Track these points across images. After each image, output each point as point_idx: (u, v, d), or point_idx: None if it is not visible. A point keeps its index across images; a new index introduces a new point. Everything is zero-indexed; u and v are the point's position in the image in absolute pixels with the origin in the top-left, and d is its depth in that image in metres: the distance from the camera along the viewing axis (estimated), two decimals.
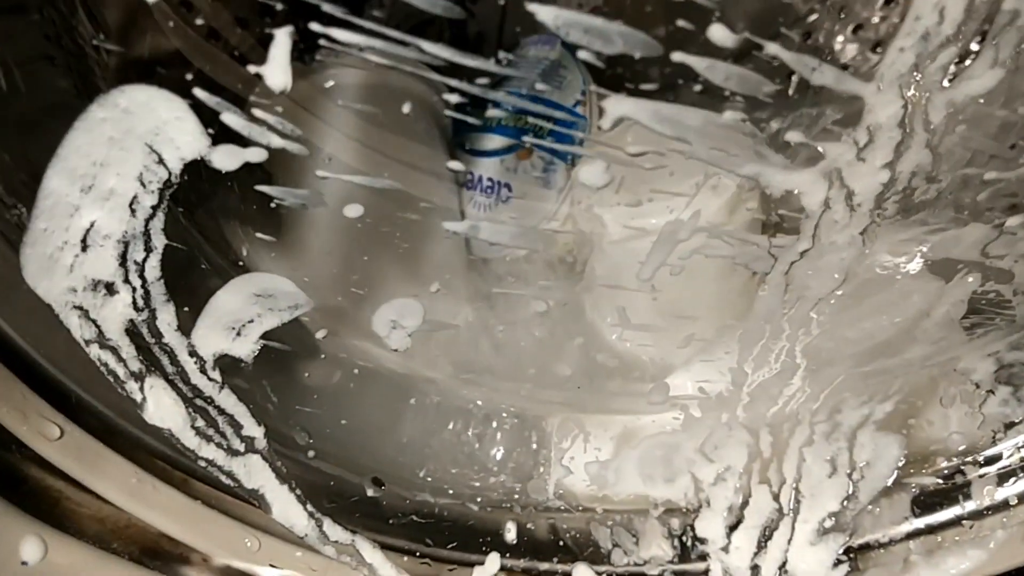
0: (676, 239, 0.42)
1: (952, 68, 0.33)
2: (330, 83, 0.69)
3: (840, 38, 0.94)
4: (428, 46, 0.34)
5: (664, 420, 0.51)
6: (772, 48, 0.32)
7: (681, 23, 0.33)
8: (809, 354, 0.45)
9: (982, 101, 0.33)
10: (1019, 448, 0.48)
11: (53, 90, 0.39)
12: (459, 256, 0.77)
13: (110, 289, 0.38)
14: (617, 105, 0.34)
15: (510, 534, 0.51)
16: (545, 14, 0.32)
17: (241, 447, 0.43)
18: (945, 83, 0.33)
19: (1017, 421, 0.48)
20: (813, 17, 0.93)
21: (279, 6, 0.35)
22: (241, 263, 0.45)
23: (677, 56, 0.32)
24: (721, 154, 0.35)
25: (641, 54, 0.32)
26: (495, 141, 0.82)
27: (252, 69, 0.32)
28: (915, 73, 0.33)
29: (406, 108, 0.52)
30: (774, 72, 0.34)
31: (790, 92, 0.33)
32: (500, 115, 0.82)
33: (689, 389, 0.49)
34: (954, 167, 0.36)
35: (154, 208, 0.37)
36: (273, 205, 0.37)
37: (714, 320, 0.47)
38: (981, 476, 0.49)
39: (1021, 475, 0.49)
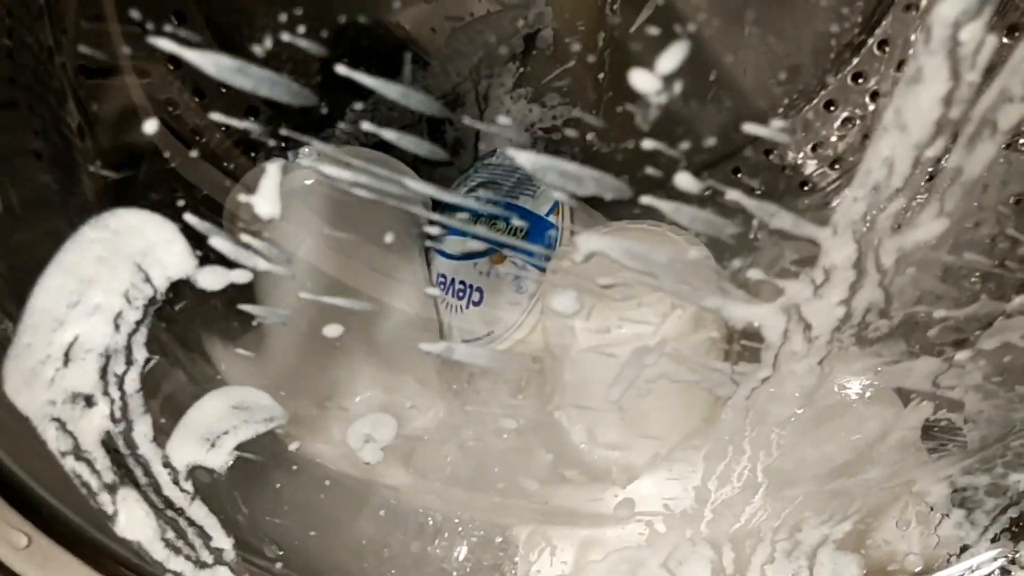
0: (643, 364, 0.44)
1: (902, 216, 0.35)
2: (310, 181, 0.71)
3: (800, 155, 0.99)
4: (412, 183, 0.36)
5: (629, 534, 0.51)
6: (733, 195, 0.35)
7: (649, 170, 0.36)
8: (770, 474, 0.47)
9: (930, 247, 0.35)
10: (972, 570, 0.49)
11: (37, 186, 0.40)
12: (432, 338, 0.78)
13: (89, 401, 0.38)
14: (589, 241, 0.36)
15: None
16: (523, 159, 0.34)
17: (210, 559, 0.43)
18: (895, 229, 0.35)
19: (971, 544, 0.49)
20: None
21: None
22: (219, 376, 0.45)
23: (645, 199, 0.34)
24: (686, 287, 0.37)
25: (612, 197, 0.34)
26: (469, 245, 0.84)
27: (242, 199, 0.33)
28: (867, 220, 0.35)
29: (388, 238, 0.53)
30: (736, 214, 0.36)
31: (751, 235, 0.35)
32: (476, 219, 0.85)
33: (654, 505, 0.50)
34: (905, 304, 0.38)
35: (137, 323, 0.38)
36: (255, 323, 0.38)
37: (679, 439, 0.49)
38: None
39: None
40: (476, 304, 0.83)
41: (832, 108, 0.94)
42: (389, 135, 0.35)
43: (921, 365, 0.42)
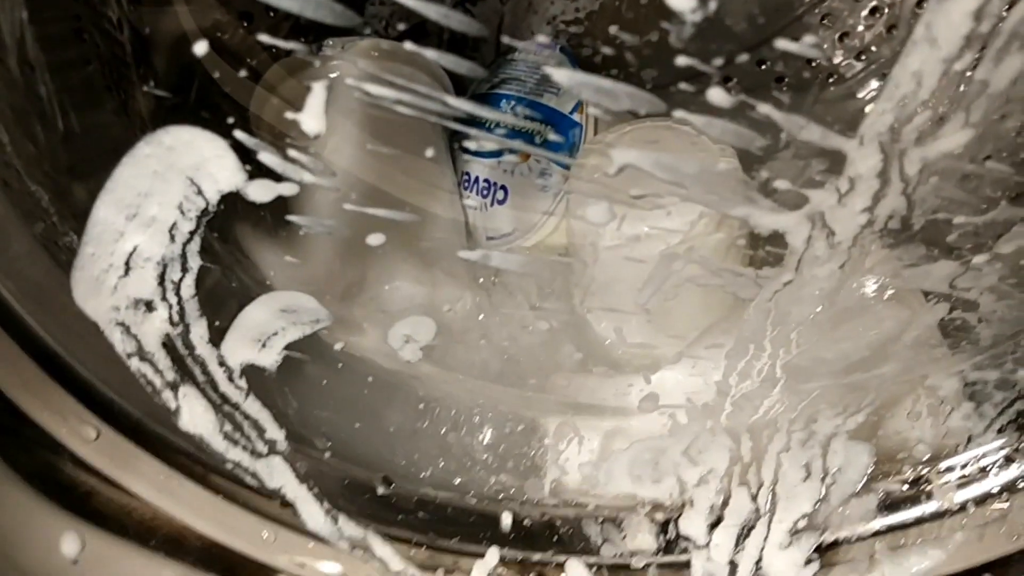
0: (671, 269, 0.46)
1: (927, 127, 0.36)
2: (335, 74, 0.71)
3: (827, 46, 0.97)
4: (452, 100, 0.37)
5: (653, 425, 0.54)
6: (764, 108, 0.36)
7: (683, 85, 0.36)
8: (789, 370, 0.49)
9: (954, 156, 0.36)
10: (978, 459, 0.52)
11: (105, 135, 0.42)
12: (460, 244, 0.80)
13: (149, 307, 0.41)
14: (623, 154, 0.37)
15: (507, 527, 0.55)
16: (560, 76, 0.35)
17: (264, 450, 0.46)
18: (920, 140, 0.36)
19: (977, 434, 0.52)
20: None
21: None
22: (268, 282, 0.48)
23: (678, 114, 0.36)
24: (715, 197, 0.38)
25: (646, 111, 0.36)
26: (495, 142, 0.84)
27: (289, 116, 0.35)
28: (893, 132, 0.36)
29: (429, 152, 0.53)
30: (765, 128, 0.37)
31: (780, 146, 0.36)
32: (500, 115, 0.85)
33: (677, 399, 0.53)
34: (926, 212, 0.39)
35: (191, 233, 0.40)
36: (302, 233, 0.40)
37: (703, 338, 0.51)
38: (943, 483, 0.53)
39: (979, 482, 0.53)
40: (501, 202, 0.85)
41: None
42: (431, 54, 0.36)
43: (939, 268, 0.44)
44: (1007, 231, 0.41)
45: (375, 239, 0.41)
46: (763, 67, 0.98)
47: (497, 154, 0.86)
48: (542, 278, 0.86)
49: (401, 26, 0.97)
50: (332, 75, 0.73)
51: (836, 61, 0.98)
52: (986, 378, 0.50)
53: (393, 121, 0.38)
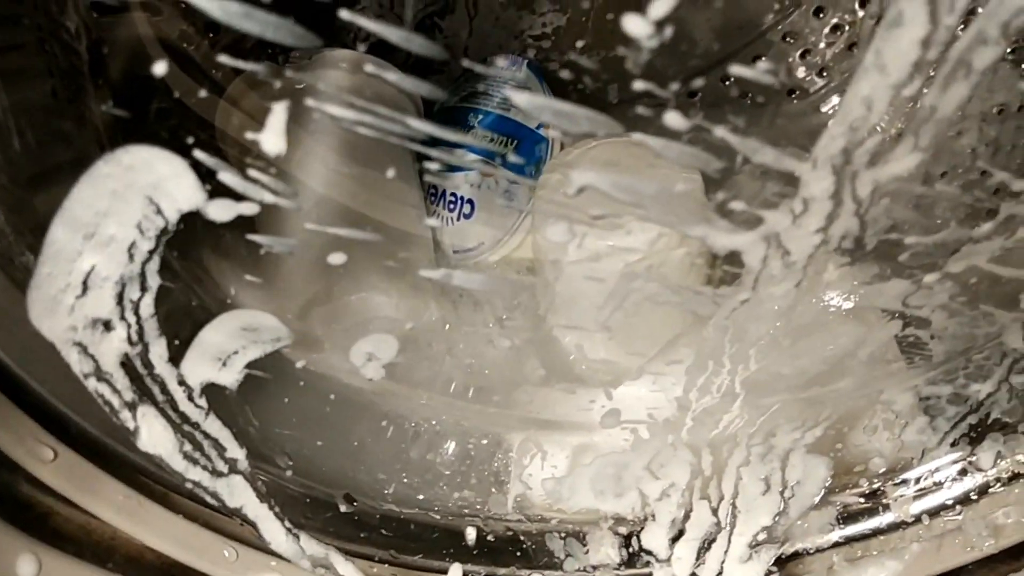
0: (631, 288, 0.46)
1: (878, 151, 0.37)
2: (301, 85, 0.71)
3: (789, 62, 0.99)
4: (414, 123, 0.37)
5: (616, 440, 0.55)
6: (720, 131, 0.36)
7: (641, 109, 0.37)
8: (748, 386, 0.50)
9: (904, 179, 0.37)
10: (933, 472, 0.53)
11: (64, 150, 0.42)
12: (427, 259, 0.80)
13: (107, 326, 0.41)
14: (582, 175, 0.37)
15: (471, 543, 0.55)
16: (520, 99, 0.36)
17: (225, 468, 0.46)
18: (872, 163, 0.37)
19: (932, 448, 0.53)
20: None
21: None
22: (229, 300, 0.48)
23: (636, 136, 0.36)
24: (673, 217, 0.39)
25: (605, 132, 0.36)
26: (461, 156, 0.85)
27: (250, 136, 0.35)
28: (845, 155, 0.37)
29: (390, 172, 0.54)
30: (721, 150, 0.37)
31: (736, 168, 0.37)
32: (467, 130, 0.86)
33: (639, 414, 0.53)
34: (879, 232, 0.40)
35: (150, 252, 0.40)
36: (263, 252, 0.40)
37: (663, 355, 0.52)
38: (899, 496, 0.54)
39: (934, 494, 0.55)
40: (467, 217, 0.85)
41: (821, 15, 0.94)
42: (392, 76, 0.36)
43: (892, 286, 0.45)
44: (957, 251, 0.42)
45: (337, 258, 0.41)
46: (727, 83, 0.99)
47: (463, 168, 0.86)
48: (507, 293, 0.86)
49: (369, 38, 0.97)
50: (299, 86, 0.73)
51: (799, 76, 1.00)
52: (939, 393, 0.52)
53: (359, 135, 0.38)
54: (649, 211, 0.38)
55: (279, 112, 0.34)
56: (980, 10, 0.33)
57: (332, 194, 0.65)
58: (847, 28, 0.94)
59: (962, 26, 0.33)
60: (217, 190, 0.37)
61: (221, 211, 0.38)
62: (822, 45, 0.98)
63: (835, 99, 0.98)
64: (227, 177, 0.36)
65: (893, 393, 0.52)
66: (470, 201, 0.85)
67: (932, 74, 0.34)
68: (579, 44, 0.97)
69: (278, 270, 0.54)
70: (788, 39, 0.97)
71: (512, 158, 0.84)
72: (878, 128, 0.35)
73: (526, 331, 0.75)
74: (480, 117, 0.87)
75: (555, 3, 0.95)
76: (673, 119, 0.35)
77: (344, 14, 0.33)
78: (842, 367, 0.50)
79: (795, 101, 1.01)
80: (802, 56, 0.99)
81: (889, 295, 0.45)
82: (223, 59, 0.35)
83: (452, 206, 0.87)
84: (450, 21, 0.97)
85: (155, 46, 0.42)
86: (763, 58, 0.98)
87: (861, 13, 0.94)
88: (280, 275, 0.56)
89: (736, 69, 0.97)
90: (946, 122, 0.35)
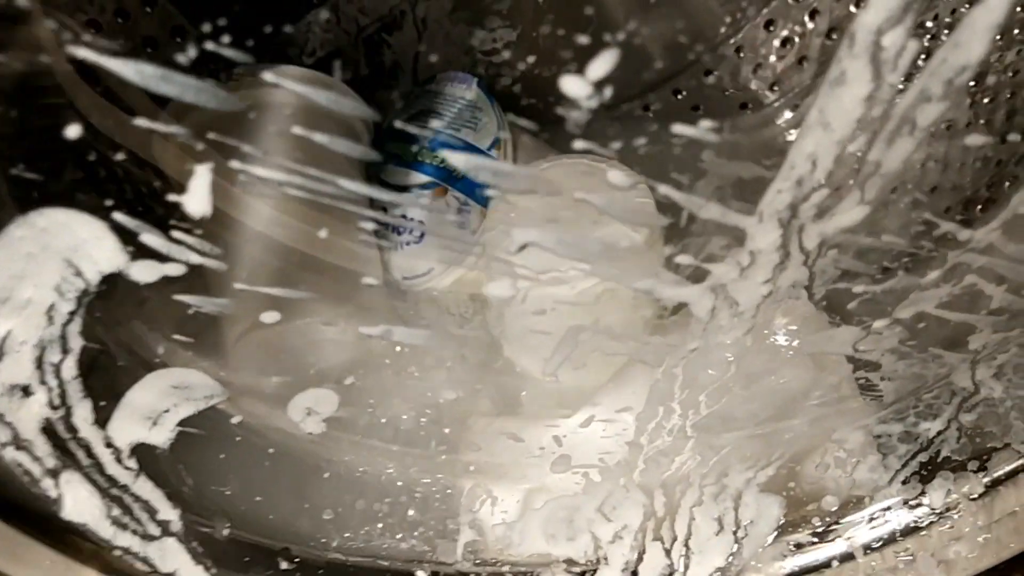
0: (577, 340, 0.45)
1: (824, 204, 0.36)
2: (244, 105, 0.68)
3: (741, 77, 0.99)
4: (348, 184, 0.35)
5: (567, 484, 0.54)
6: (663, 189, 0.35)
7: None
8: (699, 429, 0.49)
9: (850, 231, 0.37)
10: (884, 510, 0.53)
11: None
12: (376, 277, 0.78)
13: (26, 391, 0.38)
14: (524, 232, 0.36)
15: None
16: (456, 160, 0.35)
17: (157, 531, 0.44)
18: (818, 217, 0.36)
19: (883, 485, 0.53)
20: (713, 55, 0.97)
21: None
22: (157, 359, 0.46)
23: (578, 194, 0.35)
24: (618, 272, 0.38)
25: (545, 193, 0.35)
26: (410, 176, 0.83)
27: (172, 198, 0.33)
28: (791, 209, 0.36)
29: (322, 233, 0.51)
30: (666, 208, 0.37)
31: (681, 224, 0.36)
32: (417, 150, 0.84)
33: (590, 459, 0.52)
34: (827, 282, 0.39)
35: (71, 314, 0.38)
36: (190, 311, 0.38)
37: (613, 401, 0.51)
38: (851, 534, 0.54)
39: (885, 527, 0.54)
40: (417, 240, 0.83)
41: (772, 27, 0.94)
42: (324, 98, 0.35)
43: (842, 333, 0.44)
44: (905, 298, 0.42)
45: (270, 317, 0.39)
46: (679, 96, 0.99)
47: (414, 188, 0.84)
48: (458, 312, 0.85)
49: (315, 52, 0.95)
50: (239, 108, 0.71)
51: (752, 90, 1.00)
52: (890, 431, 0.51)
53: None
54: (595, 267, 0.37)
55: (202, 175, 0.32)
56: (923, 68, 0.33)
57: (274, 228, 0.63)
58: (797, 41, 0.94)
59: (904, 83, 0.33)
60: (143, 249, 0.35)
61: (145, 272, 0.36)
62: (773, 58, 0.98)
63: (787, 113, 0.98)
64: (150, 239, 0.35)
65: (845, 431, 0.51)
66: (420, 223, 0.83)
67: (876, 131, 0.33)
68: (530, 59, 0.96)
69: (208, 327, 0.52)
70: (740, 53, 0.96)
71: (463, 180, 0.82)
72: (824, 183, 0.35)
73: (478, 370, 0.73)
74: (429, 137, 0.85)
75: (505, 19, 0.94)
76: (616, 177, 0.34)
77: (269, 77, 0.31)
78: (793, 410, 0.49)
79: (748, 114, 1.01)
80: (754, 70, 0.98)
81: (839, 341, 0.44)
82: (141, 122, 0.33)
83: (401, 229, 0.85)
84: (398, 37, 0.95)
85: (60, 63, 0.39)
86: (715, 72, 0.98)
87: (811, 25, 0.94)
88: (210, 332, 0.54)
89: (689, 82, 0.98)
90: (892, 176, 0.35)
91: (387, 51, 0.96)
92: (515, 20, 0.94)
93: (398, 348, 0.72)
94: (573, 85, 0.32)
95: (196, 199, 0.33)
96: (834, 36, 0.93)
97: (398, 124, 0.88)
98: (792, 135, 0.97)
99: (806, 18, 0.93)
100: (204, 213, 0.34)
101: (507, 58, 0.96)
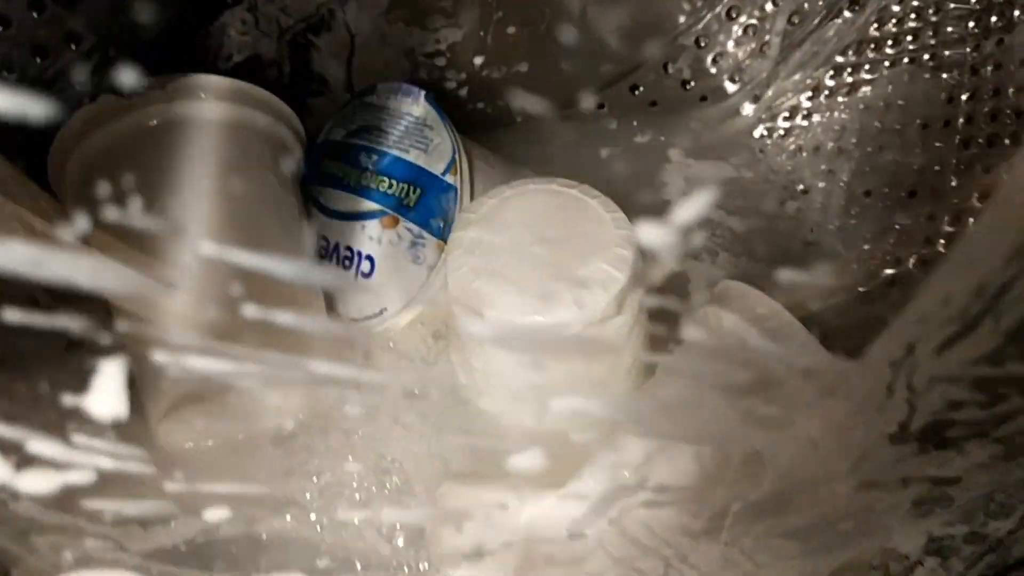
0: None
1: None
2: (153, 121, 0.61)
3: (701, 68, 0.92)
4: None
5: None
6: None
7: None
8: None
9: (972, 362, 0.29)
10: None
11: None
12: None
13: None
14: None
15: None
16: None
17: None
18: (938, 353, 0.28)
19: None
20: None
21: None
22: None
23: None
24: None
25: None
26: (355, 203, 0.73)
27: (68, 400, 0.22)
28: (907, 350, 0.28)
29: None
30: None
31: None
32: (361, 173, 0.74)
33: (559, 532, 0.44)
34: (927, 416, 0.31)
35: None
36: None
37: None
38: None
39: None
40: (366, 275, 0.73)
41: (734, 14, 0.87)
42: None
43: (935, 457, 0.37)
44: (1013, 418, 0.34)
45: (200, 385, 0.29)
46: (636, 92, 0.91)
47: (358, 216, 0.74)
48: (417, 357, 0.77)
49: (232, 58, 0.82)
50: (151, 123, 0.62)
51: (713, 82, 0.94)
52: (954, 533, 0.44)
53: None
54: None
55: (111, 373, 0.22)
56: None
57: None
58: (758, 29, 0.87)
59: None
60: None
61: (40, 483, 0.25)
62: (732, 47, 0.92)
63: (748, 105, 0.93)
64: (41, 446, 0.24)
65: (903, 537, 0.44)
66: (369, 257, 0.73)
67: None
68: (478, 61, 0.86)
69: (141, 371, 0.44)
70: (700, 43, 0.90)
71: (416, 210, 0.72)
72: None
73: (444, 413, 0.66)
74: (375, 158, 0.75)
75: (450, 17, 0.83)
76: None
77: None
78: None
79: (708, 107, 0.95)
80: (714, 61, 0.92)
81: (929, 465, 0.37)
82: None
83: (347, 262, 0.75)
84: (327, 39, 0.84)
85: None
86: (675, 63, 0.91)
87: (771, 8, 0.88)
88: (144, 375, 0.47)
89: (647, 76, 0.89)
90: None
91: (315, 55, 0.84)
92: (460, 18, 0.84)
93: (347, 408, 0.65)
94: (654, 234, 0.23)
95: (104, 401, 0.23)
96: (795, 20, 0.87)
97: (337, 139, 0.77)
98: (759, 131, 0.92)
99: (769, 5, 0.87)
100: (119, 416, 0.23)
101: (452, 60, 0.86)
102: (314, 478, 0.58)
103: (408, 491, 0.62)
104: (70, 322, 0.22)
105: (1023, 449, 0.37)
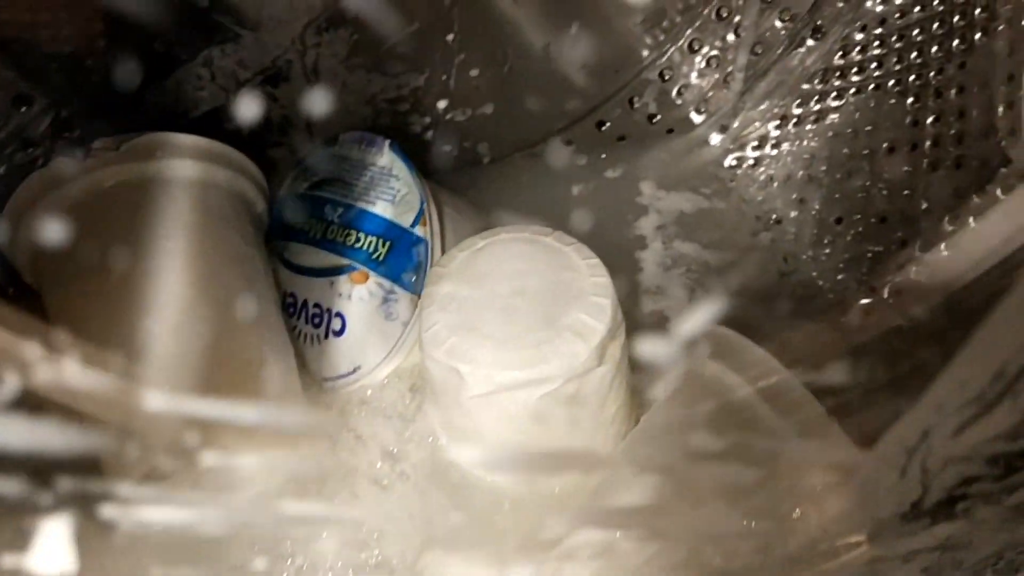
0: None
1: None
2: (110, 183, 0.58)
3: (666, 101, 0.91)
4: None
5: None
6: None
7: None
8: None
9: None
10: None
11: None
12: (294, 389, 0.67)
13: None
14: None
15: None
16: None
17: None
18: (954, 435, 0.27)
19: None
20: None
21: None
22: None
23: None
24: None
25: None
26: (322, 257, 0.71)
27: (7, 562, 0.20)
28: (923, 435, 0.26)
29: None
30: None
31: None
32: (326, 225, 0.71)
33: None
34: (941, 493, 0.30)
35: None
36: None
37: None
38: None
39: None
40: (337, 334, 0.71)
41: (696, 47, 0.87)
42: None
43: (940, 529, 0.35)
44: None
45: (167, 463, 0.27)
46: (603, 128, 0.90)
47: (325, 272, 0.72)
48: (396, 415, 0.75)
49: (188, 113, 0.80)
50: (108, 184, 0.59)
51: (678, 114, 0.93)
52: None
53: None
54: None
55: (54, 529, 0.20)
56: None
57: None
58: (721, 60, 0.87)
59: None
60: None
61: None
62: (696, 78, 0.91)
63: (715, 135, 0.93)
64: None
65: None
66: (339, 315, 0.71)
67: None
68: (441, 105, 0.85)
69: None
70: (664, 76, 0.89)
71: (386, 264, 0.70)
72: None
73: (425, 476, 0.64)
74: (340, 211, 0.73)
75: (409, 62, 0.81)
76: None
77: None
78: None
79: (676, 138, 0.94)
80: (679, 93, 0.91)
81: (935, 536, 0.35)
82: None
83: (317, 320, 0.72)
84: (286, 89, 0.81)
85: None
86: (640, 97, 0.90)
87: (733, 39, 0.87)
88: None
89: (613, 111, 0.88)
90: None
91: (274, 105, 0.82)
92: (421, 63, 0.82)
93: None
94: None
95: (50, 558, 0.20)
96: (758, 50, 0.87)
97: (300, 191, 0.75)
98: (728, 161, 0.92)
99: (731, 36, 0.87)
100: (69, 572, 0.21)
101: (415, 105, 0.84)
102: (288, 560, 0.56)
103: (387, 565, 0.59)
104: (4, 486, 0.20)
105: None
